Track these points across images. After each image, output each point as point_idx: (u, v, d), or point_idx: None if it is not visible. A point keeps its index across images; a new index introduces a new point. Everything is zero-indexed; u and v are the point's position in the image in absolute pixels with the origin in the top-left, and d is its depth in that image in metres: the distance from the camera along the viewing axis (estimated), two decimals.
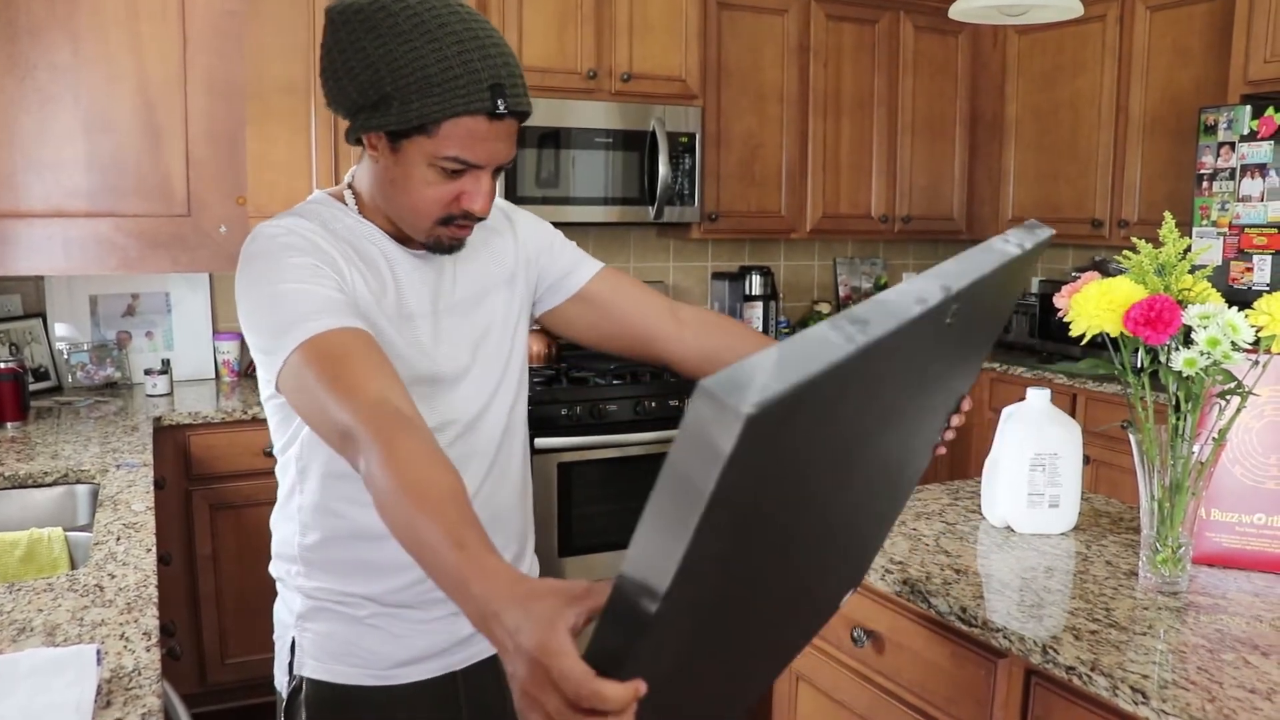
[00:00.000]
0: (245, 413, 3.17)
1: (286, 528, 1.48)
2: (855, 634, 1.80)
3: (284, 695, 1.49)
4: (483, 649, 1.51)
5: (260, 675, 3.31)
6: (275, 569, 1.53)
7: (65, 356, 3.52)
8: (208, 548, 3.17)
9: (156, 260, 1.42)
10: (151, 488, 2.26)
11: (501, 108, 1.26)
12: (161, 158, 1.36)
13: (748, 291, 4.45)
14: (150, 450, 2.62)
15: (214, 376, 3.75)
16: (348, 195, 1.43)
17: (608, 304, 1.58)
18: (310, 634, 1.45)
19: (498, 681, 1.51)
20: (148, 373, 3.45)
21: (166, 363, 3.54)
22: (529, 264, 1.56)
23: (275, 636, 1.53)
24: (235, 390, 3.53)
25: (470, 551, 0.91)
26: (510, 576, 0.86)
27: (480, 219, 1.35)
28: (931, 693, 1.67)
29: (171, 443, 3.09)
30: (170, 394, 3.44)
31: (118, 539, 1.88)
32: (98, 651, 1.33)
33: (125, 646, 1.41)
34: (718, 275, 4.58)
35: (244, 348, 3.77)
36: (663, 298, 1.63)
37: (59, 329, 3.55)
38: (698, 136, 4.00)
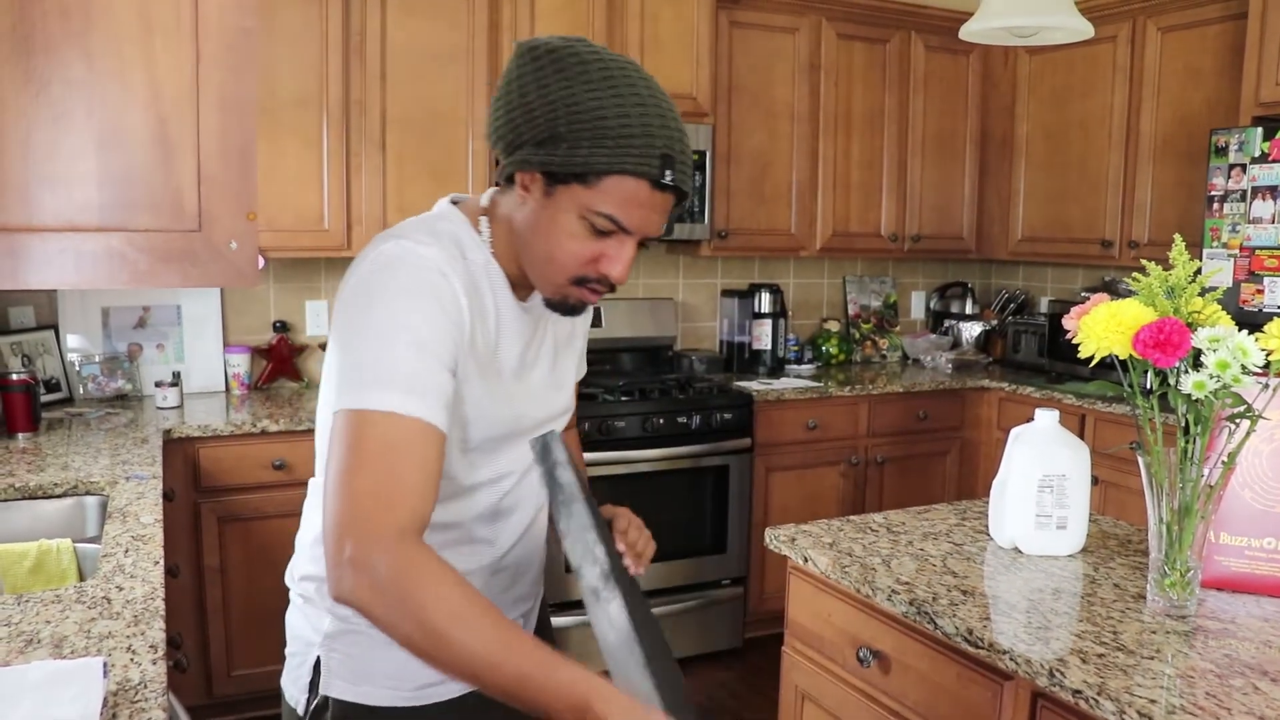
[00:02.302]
0: (254, 426, 3.18)
1: (316, 554, 1.43)
2: (861, 654, 1.80)
3: (303, 713, 1.47)
4: None
5: (266, 688, 3.31)
6: (301, 586, 1.49)
7: (77, 368, 3.54)
8: (216, 560, 3.17)
9: (167, 275, 1.42)
10: (160, 500, 2.26)
11: (668, 178, 1.25)
12: (173, 173, 1.36)
13: (757, 309, 4.45)
14: (160, 462, 2.63)
15: (224, 389, 3.76)
16: (483, 224, 1.38)
17: None
18: (338, 654, 1.43)
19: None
20: (158, 385, 3.46)
21: (177, 375, 3.55)
22: (581, 334, 1.58)
23: (290, 651, 1.51)
24: (245, 403, 3.54)
25: (556, 669, 1.09)
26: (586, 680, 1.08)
27: (614, 287, 1.33)
28: (937, 714, 1.66)
29: (181, 455, 3.10)
30: (180, 406, 3.45)
31: (126, 551, 1.88)
32: (104, 664, 1.34)
33: (132, 659, 1.41)
34: (727, 293, 4.58)
35: (254, 360, 3.78)
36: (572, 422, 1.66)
37: (71, 340, 3.57)
38: (708, 154, 4.01)
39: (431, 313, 1.25)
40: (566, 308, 1.37)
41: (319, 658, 1.44)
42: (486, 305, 1.36)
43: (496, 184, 1.39)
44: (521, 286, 1.40)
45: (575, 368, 1.58)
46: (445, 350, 1.26)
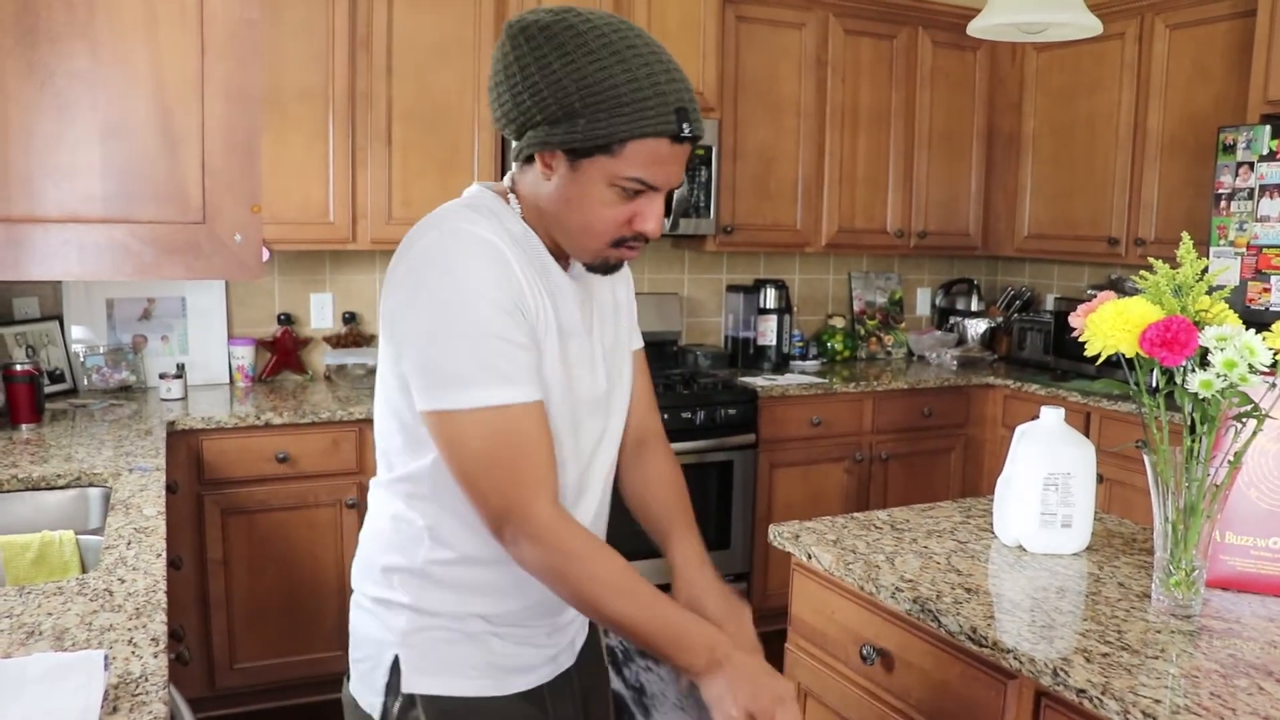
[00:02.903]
0: (259, 418, 3.18)
1: (404, 545, 1.41)
2: (864, 651, 1.79)
3: (380, 716, 1.42)
4: (563, 664, 1.53)
5: (268, 680, 3.32)
6: (373, 589, 1.45)
7: (81, 359, 3.54)
8: (219, 552, 3.17)
9: (171, 267, 1.41)
10: (164, 492, 2.26)
11: (686, 131, 1.28)
12: (177, 165, 1.35)
13: (762, 305, 4.44)
14: (163, 454, 2.63)
15: (228, 382, 3.76)
16: (513, 200, 1.40)
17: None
18: (418, 651, 1.40)
19: (573, 693, 1.54)
20: (162, 376, 3.46)
21: (181, 367, 3.55)
22: (628, 301, 1.58)
23: (360, 657, 1.46)
24: (249, 396, 3.54)
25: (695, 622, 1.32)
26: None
27: (649, 240, 1.36)
28: (940, 712, 1.66)
29: (185, 447, 3.10)
30: (184, 398, 3.45)
31: (128, 543, 1.88)
32: (105, 657, 1.34)
33: (133, 652, 1.41)
34: (732, 288, 4.57)
35: (258, 353, 3.78)
36: (653, 405, 1.66)
37: (75, 331, 3.57)
38: (714, 149, 4.00)
39: (499, 293, 1.28)
40: (607, 268, 1.40)
41: (396, 657, 1.40)
42: (536, 273, 1.37)
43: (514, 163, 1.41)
44: (558, 255, 1.41)
45: (630, 334, 1.58)
46: (520, 324, 1.30)
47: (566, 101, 1.25)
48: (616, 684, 1.56)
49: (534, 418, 1.30)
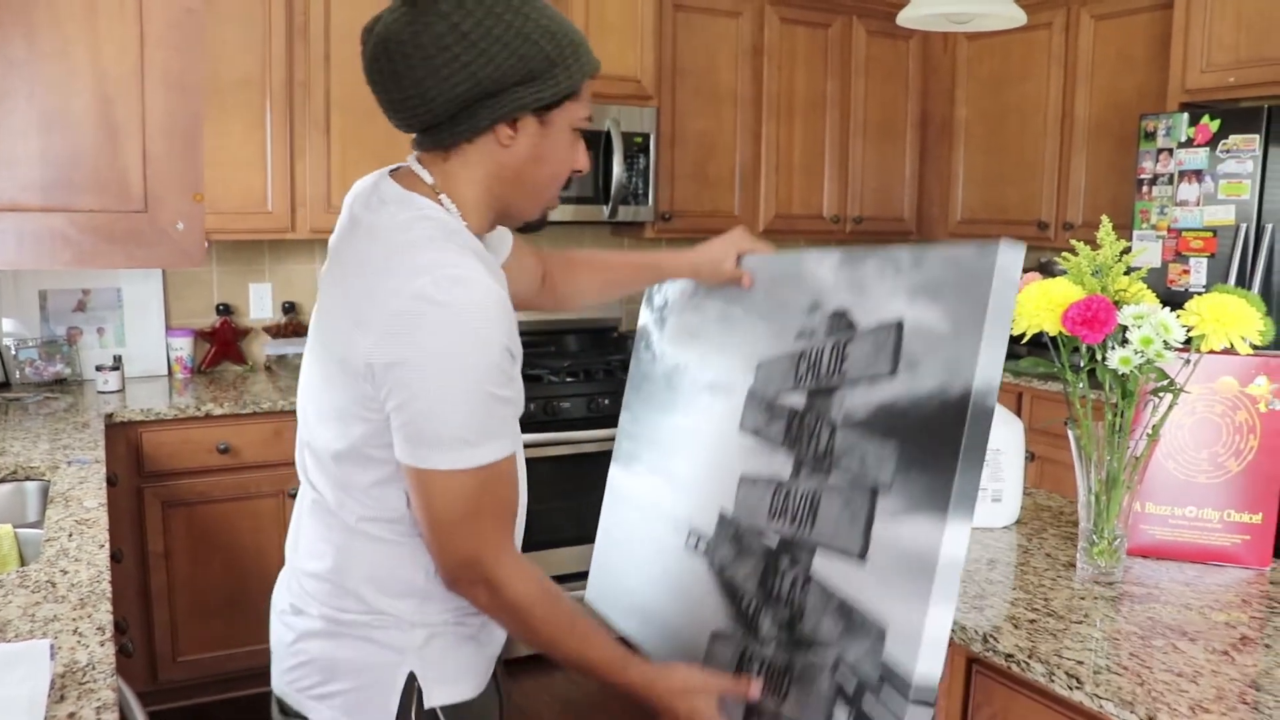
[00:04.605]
0: (198, 409, 3.16)
1: (401, 567, 1.34)
2: None
3: None
4: None
5: (212, 672, 3.30)
6: (373, 616, 1.34)
7: (13, 352, 3.48)
8: (160, 545, 3.15)
9: (111, 256, 1.42)
10: (104, 484, 2.25)
11: (599, 66, 1.32)
12: (118, 153, 1.36)
13: None
14: (102, 447, 2.61)
15: (167, 373, 3.72)
16: (445, 201, 1.30)
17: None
18: (433, 663, 1.35)
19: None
20: (99, 369, 3.42)
21: (118, 359, 3.51)
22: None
23: (364, 684, 1.35)
24: (188, 387, 3.51)
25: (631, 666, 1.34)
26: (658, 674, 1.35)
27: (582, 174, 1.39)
28: None
29: (123, 440, 3.07)
30: (122, 390, 3.41)
31: (70, 535, 1.87)
32: (51, 646, 1.34)
33: (79, 641, 1.42)
34: None
35: (198, 344, 3.74)
36: (536, 260, 1.66)
37: (6, 324, 3.51)
38: (652, 136, 4.03)
39: (500, 348, 1.21)
40: (543, 221, 1.41)
41: (411, 674, 1.34)
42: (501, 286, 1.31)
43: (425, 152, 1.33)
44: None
45: None
46: (514, 369, 1.26)
47: (544, 52, 1.23)
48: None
49: (511, 466, 1.28)
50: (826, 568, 1.28)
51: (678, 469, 1.67)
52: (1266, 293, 3.17)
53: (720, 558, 1.50)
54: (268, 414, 3.25)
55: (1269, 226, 3.16)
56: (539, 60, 1.23)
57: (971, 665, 1.54)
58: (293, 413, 3.28)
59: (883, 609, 1.18)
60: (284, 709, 1.41)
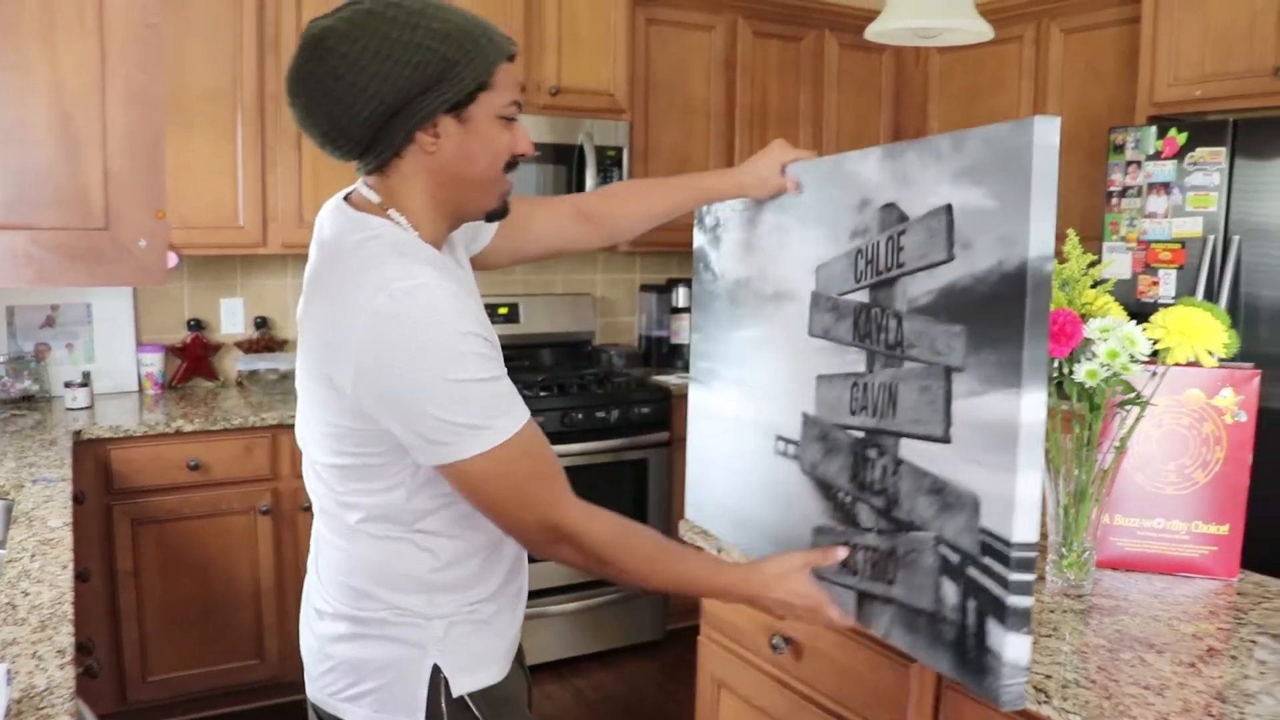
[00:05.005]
0: (169, 426, 3.13)
1: (404, 564, 1.39)
2: (774, 641, 1.84)
3: None
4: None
5: (183, 692, 3.26)
6: (380, 611, 1.40)
7: None
8: (129, 563, 3.11)
9: (74, 273, 1.40)
10: (70, 503, 2.22)
11: (513, 48, 1.34)
12: (79, 170, 1.34)
13: (674, 304, 4.49)
14: (69, 464, 2.58)
15: (137, 389, 3.69)
16: (395, 216, 1.35)
17: (522, 234, 1.65)
18: (454, 653, 1.41)
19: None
20: (67, 385, 3.38)
21: (87, 375, 3.48)
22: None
23: (391, 680, 1.41)
24: (159, 403, 3.48)
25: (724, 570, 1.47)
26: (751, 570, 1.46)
27: (528, 159, 1.42)
28: (848, 698, 1.71)
29: (92, 457, 3.04)
30: (91, 407, 3.38)
31: (32, 556, 1.85)
32: (7, 671, 1.32)
33: (38, 665, 1.39)
34: (645, 287, 4.61)
35: (168, 359, 3.71)
36: (565, 205, 1.71)
37: None
38: (625, 150, 4.03)
39: (475, 338, 1.26)
40: (505, 207, 1.43)
41: (436, 666, 1.40)
42: (463, 288, 1.35)
43: (369, 173, 1.37)
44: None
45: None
46: (496, 352, 1.31)
47: (439, 55, 1.26)
48: None
49: (533, 428, 1.32)
50: (914, 452, 1.33)
51: (756, 380, 1.72)
52: (1234, 304, 3.19)
53: (810, 458, 1.55)
54: (239, 430, 3.23)
55: (1235, 238, 3.19)
56: (436, 64, 1.26)
57: (941, 681, 1.54)
58: (264, 429, 3.27)
59: (973, 483, 1.22)
60: (320, 716, 1.48)
